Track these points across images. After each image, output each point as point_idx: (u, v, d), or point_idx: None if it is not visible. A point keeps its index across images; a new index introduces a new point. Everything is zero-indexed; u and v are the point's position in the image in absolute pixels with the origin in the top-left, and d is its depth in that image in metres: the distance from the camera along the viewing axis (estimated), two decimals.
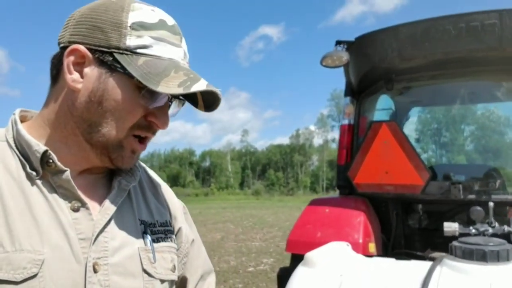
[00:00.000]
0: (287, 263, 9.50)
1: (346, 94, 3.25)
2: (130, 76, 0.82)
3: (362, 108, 3.23)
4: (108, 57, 0.83)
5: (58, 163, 0.84)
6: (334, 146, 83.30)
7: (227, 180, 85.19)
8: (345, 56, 2.86)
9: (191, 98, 0.94)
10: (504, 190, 2.79)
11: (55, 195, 0.84)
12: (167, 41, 0.86)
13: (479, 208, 2.40)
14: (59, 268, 0.79)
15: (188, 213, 1.18)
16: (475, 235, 2.29)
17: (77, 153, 0.88)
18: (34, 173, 0.84)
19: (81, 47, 0.83)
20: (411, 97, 3.60)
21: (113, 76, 0.83)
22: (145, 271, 0.91)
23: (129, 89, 0.84)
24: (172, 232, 1.04)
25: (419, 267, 1.71)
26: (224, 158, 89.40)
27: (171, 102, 0.91)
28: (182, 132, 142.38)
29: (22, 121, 0.92)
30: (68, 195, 0.85)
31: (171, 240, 1.02)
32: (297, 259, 2.69)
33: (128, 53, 0.83)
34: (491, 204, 2.37)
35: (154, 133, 0.92)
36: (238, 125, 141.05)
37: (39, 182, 0.84)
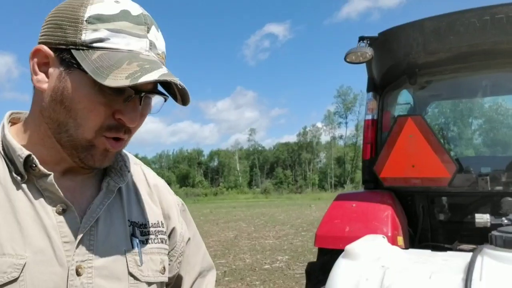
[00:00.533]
0: (302, 260, 9.47)
1: (368, 90, 3.26)
2: (86, 72, 0.78)
3: (385, 103, 3.25)
4: (66, 55, 0.81)
5: (41, 168, 0.83)
6: (341, 143, 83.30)
7: (236, 180, 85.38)
8: (369, 52, 2.88)
9: (172, 92, 0.89)
10: None
11: (41, 199, 0.84)
12: (126, 32, 0.81)
13: (510, 198, 2.42)
14: (40, 271, 0.79)
15: (187, 210, 1.17)
16: (507, 225, 2.31)
17: (54, 154, 0.88)
18: (19, 177, 0.83)
19: (44, 47, 0.82)
20: (431, 91, 3.61)
21: (71, 73, 0.81)
22: (130, 274, 0.90)
23: (87, 85, 0.80)
24: (163, 233, 1.03)
25: (457, 257, 1.73)
26: (232, 158, 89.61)
27: (142, 97, 0.85)
28: (190, 132, 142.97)
29: (15, 123, 0.93)
30: (54, 198, 0.85)
31: (162, 242, 1.01)
32: (325, 253, 2.73)
33: (84, 48, 0.80)
34: None
35: (126, 132, 0.86)
36: (245, 124, 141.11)
37: (24, 186, 0.84)
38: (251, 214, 22.12)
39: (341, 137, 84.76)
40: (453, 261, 1.69)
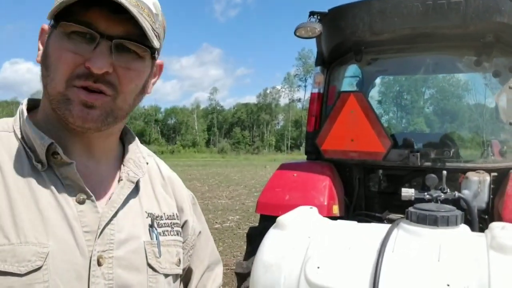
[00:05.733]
0: (252, 220, 9.71)
1: (317, 64, 3.35)
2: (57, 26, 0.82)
3: (331, 78, 3.36)
4: (52, 22, 0.84)
5: (64, 156, 0.83)
6: (299, 106, 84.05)
7: (194, 138, 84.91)
8: (318, 28, 2.95)
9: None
10: (458, 158, 3.03)
11: (61, 188, 0.84)
12: None
13: (433, 175, 2.62)
14: (63, 261, 0.79)
15: (197, 203, 1.19)
16: (429, 200, 2.51)
17: (59, 127, 0.88)
18: (39, 165, 0.83)
19: (44, 25, 0.89)
20: (377, 67, 3.75)
21: (52, 35, 0.84)
22: (149, 265, 0.91)
23: (57, 37, 0.83)
24: (178, 225, 1.04)
25: (378, 229, 1.90)
26: (190, 116, 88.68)
27: (112, 44, 0.83)
28: None
29: (33, 109, 0.93)
30: (74, 187, 0.84)
31: (177, 234, 1.02)
32: (266, 219, 2.87)
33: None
34: (444, 172, 2.59)
35: (96, 81, 0.82)
36: (209, 83, 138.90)
37: (44, 174, 0.83)
38: (207, 173, 22.29)
39: (299, 100, 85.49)
40: (373, 233, 1.85)
